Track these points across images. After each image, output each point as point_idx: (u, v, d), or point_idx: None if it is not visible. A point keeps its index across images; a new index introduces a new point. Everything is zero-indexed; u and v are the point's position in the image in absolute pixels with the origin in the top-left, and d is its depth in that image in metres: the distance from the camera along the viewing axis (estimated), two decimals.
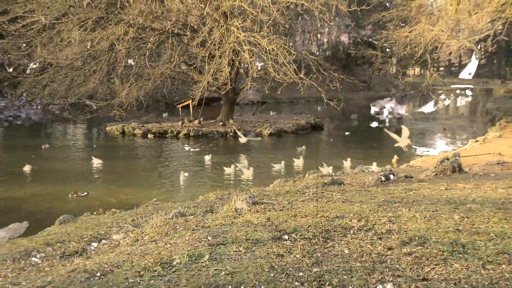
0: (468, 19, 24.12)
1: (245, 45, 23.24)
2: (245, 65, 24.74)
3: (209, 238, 5.88)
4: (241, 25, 23.28)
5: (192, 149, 24.55)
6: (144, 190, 15.71)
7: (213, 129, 28.65)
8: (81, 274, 5.04)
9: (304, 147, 23.56)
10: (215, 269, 4.88)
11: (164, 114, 36.49)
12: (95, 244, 6.83)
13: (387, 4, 35.54)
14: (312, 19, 28.55)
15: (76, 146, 27.36)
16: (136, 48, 26.63)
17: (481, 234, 5.94)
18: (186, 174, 16.71)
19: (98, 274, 5.02)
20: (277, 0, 25.78)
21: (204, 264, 5.03)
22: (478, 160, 16.28)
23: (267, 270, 4.84)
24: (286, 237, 5.88)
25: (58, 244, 6.88)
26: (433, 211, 6.97)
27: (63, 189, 15.70)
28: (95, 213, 10.08)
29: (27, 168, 19.35)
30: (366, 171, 14.66)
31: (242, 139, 20.75)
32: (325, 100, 27.45)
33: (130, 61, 27.01)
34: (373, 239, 5.83)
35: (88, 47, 25.11)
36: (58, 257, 6.37)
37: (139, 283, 4.66)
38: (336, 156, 21.68)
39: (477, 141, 21.43)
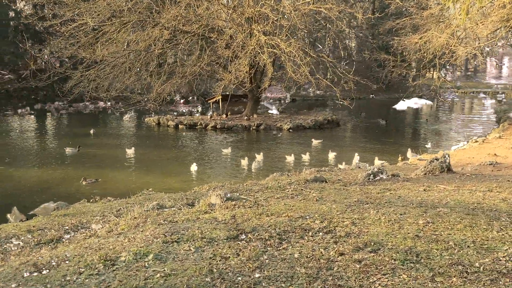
0: (475, 27, 22.77)
1: (266, 47, 22.53)
2: (265, 66, 23.97)
3: (168, 234, 5.28)
4: (262, 29, 22.55)
5: (218, 140, 24.05)
6: (160, 177, 15.25)
7: (238, 123, 28.01)
8: (28, 268, 4.53)
9: (313, 140, 22.63)
10: (154, 270, 4.28)
11: (197, 108, 36.00)
12: (72, 233, 6.33)
13: (404, 11, 33.99)
14: (329, 25, 27.50)
15: (117, 134, 27.19)
16: (169, 48, 26.19)
17: (439, 242, 5.15)
18: (195, 165, 16.09)
19: (44, 268, 4.49)
20: (298, 7, 24.93)
21: (146, 264, 4.43)
22: (474, 160, 15.18)
23: (204, 274, 4.21)
24: (243, 236, 5.24)
25: (38, 231, 6.41)
26: (401, 214, 6.18)
27: (89, 173, 15.38)
28: (91, 200, 9.62)
29: (69, 150, 19.45)
30: (362, 167, 13.77)
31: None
32: (340, 99, 26.61)
33: (164, 60, 26.58)
34: (329, 243, 5.12)
35: (125, 47, 24.82)
36: (32, 245, 5.90)
37: (74, 281, 4.11)
38: (350, 150, 20.68)
39: (476, 141, 20.12)
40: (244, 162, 17.36)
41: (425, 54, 23.97)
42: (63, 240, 6.10)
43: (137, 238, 5.22)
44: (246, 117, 29.28)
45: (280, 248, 4.96)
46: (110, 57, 25.79)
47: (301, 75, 22.71)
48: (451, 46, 22.73)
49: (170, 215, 6.25)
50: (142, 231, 5.55)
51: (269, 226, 5.52)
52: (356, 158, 18.31)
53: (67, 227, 6.56)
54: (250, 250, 4.80)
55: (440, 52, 23.84)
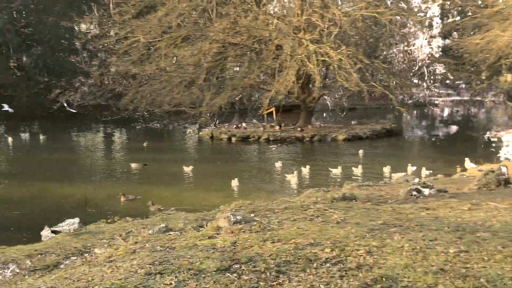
0: None
1: (315, 56, 21.86)
2: (313, 75, 23.28)
3: (156, 263, 4.78)
4: (310, 37, 21.91)
5: (269, 153, 23.45)
6: (203, 193, 14.78)
7: (291, 135, 27.35)
8: None
9: (361, 151, 21.58)
10: None
11: (253, 120, 35.62)
12: (74, 258, 6.01)
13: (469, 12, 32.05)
14: (384, 30, 26.35)
15: (170, 148, 27.25)
16: (219, 61, 26.13)
17: (468, 279, 4.26)
18: (237, 180, 15.53)
19: None
20: (349, 12, 24.07)
21: None
22: None
23: None
24: (236, 266, 4.63)
25: (39, 256, 6.13)
26: (430, 240, 5.31)
27: (135, 190, 15.23)
28: (109, 220, 9.33)
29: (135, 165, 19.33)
30: (410, 181, 12.65)
31: None
32: (397, 107, 25.40)
33: (214, 72, 26.53)
34: (333, 277, 4.39)
35: (174, 61, 25.05)
36: (26, 272, 5.61)
37: None
38: (407, 162, 19.14)
39: None
40: (291, 176, 16.64)
41: (488, 55, 22.29)
42: (61, 266, 5.78)
43: (122, 268, 4.76)
44: (299, 128, 28.57)
45: (274, 283, 4.30)
46: (163, 72, 26.13)
47: (353, 83, 21.81)
48: None
49: (171, 240, 5.77)
50: (132, 259, 5.10)
51: (269, 256, 4.87)
52: (410, 169, 17.08)
53: (69, 252, 6.25)
54: (237, 286, 4.19)
55: (505, 52, 22.01)
